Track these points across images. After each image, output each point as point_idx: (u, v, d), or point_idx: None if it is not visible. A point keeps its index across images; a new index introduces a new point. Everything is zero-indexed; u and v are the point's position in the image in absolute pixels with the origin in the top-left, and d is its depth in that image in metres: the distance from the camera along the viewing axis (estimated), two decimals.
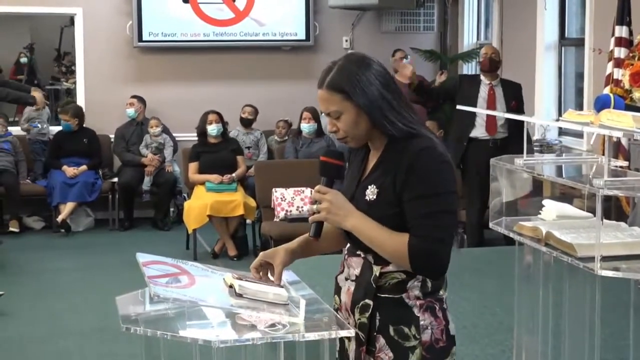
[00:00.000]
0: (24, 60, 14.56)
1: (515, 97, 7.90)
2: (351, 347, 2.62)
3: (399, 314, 2.54)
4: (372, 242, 2.53)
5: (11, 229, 9.31)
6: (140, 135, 9.78)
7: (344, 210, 2.54)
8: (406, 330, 2.53)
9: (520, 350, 4.02)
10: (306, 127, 8.99)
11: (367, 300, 2.56)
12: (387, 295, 2.55)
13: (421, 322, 2.54)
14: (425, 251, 2.46)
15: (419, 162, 2.48)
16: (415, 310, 2.54)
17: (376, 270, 2.55)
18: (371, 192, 2.56)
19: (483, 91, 7.86)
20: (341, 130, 2.59)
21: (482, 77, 7.94)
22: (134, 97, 9.89)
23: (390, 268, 2.54)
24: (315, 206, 2.56)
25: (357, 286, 2.60)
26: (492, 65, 7.87)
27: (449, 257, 2.51)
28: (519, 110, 7.84)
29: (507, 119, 7.53)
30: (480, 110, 7.51)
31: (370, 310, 2.55)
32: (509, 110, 7.74)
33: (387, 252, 2.51)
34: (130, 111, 9.81)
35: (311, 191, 7.98)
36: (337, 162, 2.63)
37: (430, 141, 2.53)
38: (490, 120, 7.69)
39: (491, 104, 7.78)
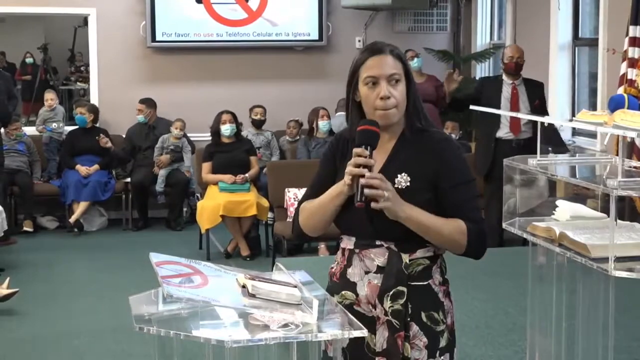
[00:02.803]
0: (29, 60, 14.60)
1: (538, 96, 7.89)
2: (379, 338, 2.63)
3: (429, 300, 2.65)
4: (429, 230, 2.58)
5: (25, 228, 9.35)
6: (150, 137, 9.78)
7: (400, 200, 2.57)
8: (436, 315, 2.64)
9: (533, 351, 4.02)
10: (325, 124, 8.96)
11: (400, 287, 2.62)
12: (416, 283, 2.64)
13: (445, 307, 2.68)
14: (480, 234, 2.60)
15: (448, 151, 2.64)
16: (440, 296, 2.67)
17: (405, 257, 2.63)
18: (403, 180, 2.62)
19: (506, 91, 7.85)
20: (393, 98, 2.63)
21: (504, 77, 7.93)
22: (142, 102, 9.88)
23: (417, 255, 2.63)
24: (380, 191, 2.50)
25: (386, 275, 2.64)
26: (517, 69, 7.86)
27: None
28: (542, 108, 7.83)
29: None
30: (496, 111, 7.48)
31: (405, 297, 2.60)
32: (532, 109, 7.71)
33: (444, 238, 2.60)
34: (141, 117, 9.83)
35: None
36: (376, 129, 2.60)
37: (444, 133, 2.76)
38: (514, 121, 7.66)
39: (514, 104, 7.77)
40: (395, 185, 2.60)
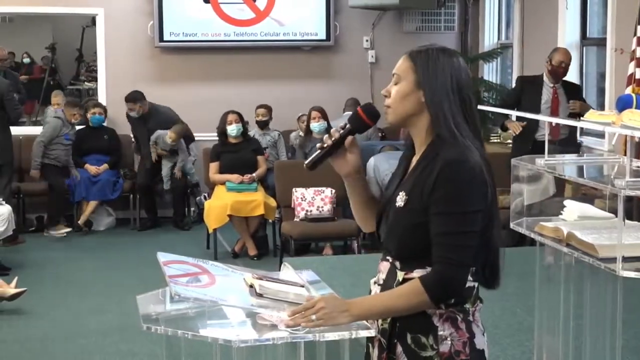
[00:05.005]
0: (26, 60, 14.65)
1: (576, 98, 7.84)
2: (374, 354, 2.59)
3: (418, 323, 2.48)
4: (386, 313, 2.47)
5: (60, 232, 9.30)
6: (147, 133, 9.73)
7: (340, 307, 2.44)
8: (423, 339, 2.47)
9: (541, 351, 4.02)
10: (316, 126, 8.81)
11: None
12: None
13: (440, 332, 2.47)
14: (441, 281, 2.41)
15: (447, 175, 2.40)
16: (435, 320, 2.47)
17: (400, 275, 2.51)
18: (400, 199, 2.50)
19: (546, 94, 7.80)
20: (390, 97, 2.54)
21: (545, 79, 7.87)
22: (129, 100, 9.70)
23: (414, 274, 2.48)
24: (313, 316, 2.41)
25: (382, 291, 2.57)
26: (563, 74, 7.81)
27: (464, 279, 2.45)
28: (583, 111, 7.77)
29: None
30: (505, 111, 7.44)
31: (391, 316, 2.51)
32: (571, 113, 7.68)
33: (406, 310, 2.45)
34: (134, 114, 9.74)
35: (331, 191, 8.03)
36: (368, 121, 2.61)
37: (464, 154, 2.42)
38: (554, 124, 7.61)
39: (555, 108, 7.73)
40: (396, 204, 2.51)
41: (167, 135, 9.48)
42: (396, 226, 2.52)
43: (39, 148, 9.24)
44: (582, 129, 8.20)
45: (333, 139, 2.60)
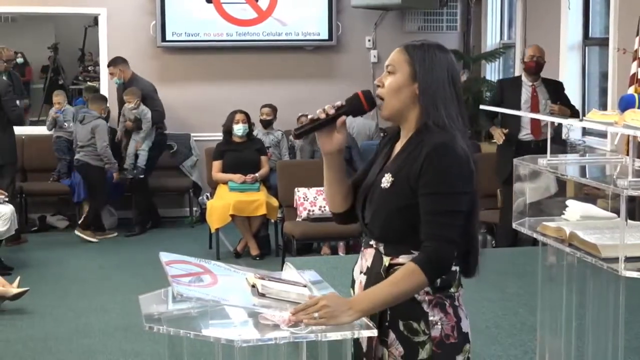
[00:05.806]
0: (20, 61, 14.64)
1: (559, 95, 7.81)
2: (363, 340, 2.61)
3: (408, 309, 2.52)
4: (389, 302, 2.48)
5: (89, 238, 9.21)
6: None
7: (343, 305, 2.45)
8: (415, 325, 2.53)
9: (543, 351, 4.01)
10: None
11: None
12: None
13: (430, 318, 2.53)
14: (434, 259, 2.45)
15: (435, 157, 2.46)
16: (425, 306, 2.53)
17: (386, 260, 2.56)
18: (386, 181, 2.55)
19: (525, 94, 7.77)
20: (383, 88, 2.59)
21: (523, 79, 7.87)
22: (110, 64, 9.67)
23: (400, 260, 2.53)
24: (316, 314, 2.42)
25: (368, 278, 2.60)
26: (537, 68, 7.79)
27: (452, 255, 2.49)
28: (569, 107, 7.72)
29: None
30: (508, 111, 7.42)
31: (392, 305, 2.53)
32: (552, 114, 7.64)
33: (407, 294, 2.48)
34: (116, 80, 9.66)
35: None
36: (365, 106, 2.65)
37: (452, 140, 2.48)
38: (535, 123, 7.56)
39: (534, 106, 7.70)
40: (382, 185, 2.56)
41: (126, 104, 9.39)
42: (382, 207, 2.56)
43: (108, 151, 9.15)
44: (584, 128, 8.20)
45: (327, 114, 2.62)
